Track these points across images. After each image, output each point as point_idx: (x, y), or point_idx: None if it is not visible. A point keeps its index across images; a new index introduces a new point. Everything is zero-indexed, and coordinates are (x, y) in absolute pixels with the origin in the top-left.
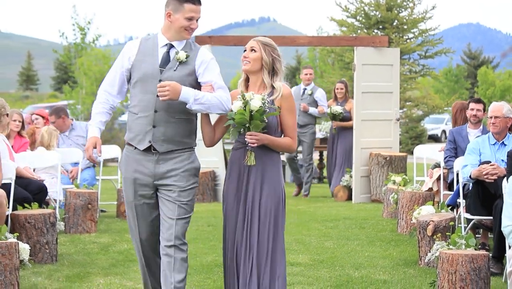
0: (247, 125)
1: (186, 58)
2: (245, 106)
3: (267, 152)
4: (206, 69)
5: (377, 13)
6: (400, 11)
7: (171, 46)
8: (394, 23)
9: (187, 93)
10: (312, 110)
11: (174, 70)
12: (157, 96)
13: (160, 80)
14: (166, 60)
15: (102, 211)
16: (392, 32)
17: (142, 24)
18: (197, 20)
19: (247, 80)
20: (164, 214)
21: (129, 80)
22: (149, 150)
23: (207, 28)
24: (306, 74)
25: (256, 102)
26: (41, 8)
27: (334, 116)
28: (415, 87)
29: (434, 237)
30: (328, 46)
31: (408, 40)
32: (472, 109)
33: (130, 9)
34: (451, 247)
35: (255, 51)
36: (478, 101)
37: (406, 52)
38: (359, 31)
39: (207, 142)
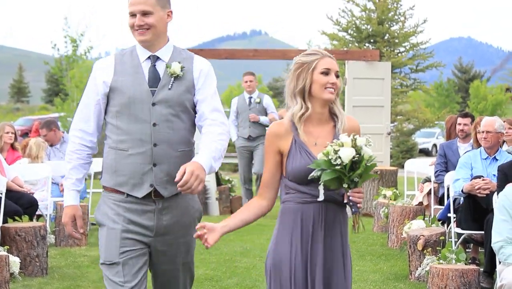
0: (356, 179)
1: (181, 70)
2: (359, 155)
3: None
4: (204, 84)
5: (368, 27)
6: (391, 25)
7: (157, 58)
8: (385, 37)
9: (207, 162)
10: (262, 119)
11: (169, 88)
12: (154, 125)
13: (153, 104)
14: (155, 76)
15: (92, 224)
16: (383, 46)
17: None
18: (144, 15)
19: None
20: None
21: (105, 109)
22: (148, 196)
23: (199, 41)
24: (246, 81)
25: (367, 149)
26: (32, 20)
27: None
28: (406, 101)
29: (425, 251)
30: None
31: (399, 54)
32: (460, 124)
33: (121, 21)
34: (441, 261)
35: (337, 76)
36: (465, 115)
37: (397, 66)
38: (350, 45)
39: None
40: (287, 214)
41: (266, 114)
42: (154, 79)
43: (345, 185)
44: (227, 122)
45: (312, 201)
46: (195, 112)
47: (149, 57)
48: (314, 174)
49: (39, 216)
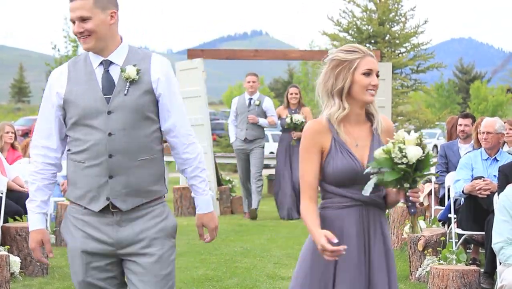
0: (417, 179)
1: (137, 73)
2: (424, 153)
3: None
4: (167, 92)
5: (369, 27)
6: (392, 25)
7: (110, 62)
8: (386, 38)
9: (210, 204)
10: (261, 121)
11: (125, 94)
12: (109, 134)
13: (109, 112)
14: (109, 83)
15: None
16: (384, 47)
17: (134, 35)
18: (83, 21)
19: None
20: None
21: (64, 121)
22: (106, 209)
23: (199, 41)
24: (249, 82)
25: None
26: (33, 20)
27: (295, 126)
28: (407, 102)
29: (425, 252)
30: (320, 61)
31: (400, 55)
32: (460, 124)
33: (121, 21)
34: (442, 262)
35: (378, 76)
36: (466, 116)
37: (398, 66)
38: None
39: None
40: (327, 220)
41: (265, 117)
42: (109, 86)
43: (407, 185)
44: (195, 139)
45: (354, 205)
46: (158, 118)
47: (101, 63)
48: (371, 170)
49: None
